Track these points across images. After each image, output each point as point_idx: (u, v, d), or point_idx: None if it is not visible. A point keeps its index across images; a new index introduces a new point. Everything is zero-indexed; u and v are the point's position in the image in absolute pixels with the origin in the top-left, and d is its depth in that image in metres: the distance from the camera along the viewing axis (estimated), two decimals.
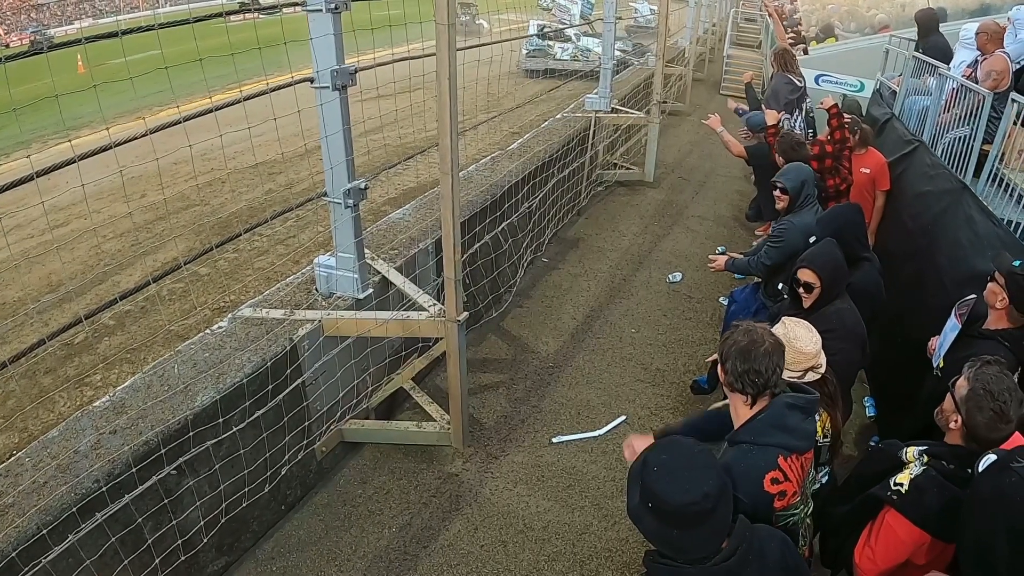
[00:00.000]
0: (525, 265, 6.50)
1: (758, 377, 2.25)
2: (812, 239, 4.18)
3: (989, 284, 3.35)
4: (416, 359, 4.67)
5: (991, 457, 2.13)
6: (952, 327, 3.45)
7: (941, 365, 3.45)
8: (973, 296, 3.44)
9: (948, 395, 2.59)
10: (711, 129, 6.78)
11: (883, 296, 4.15)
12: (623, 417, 4.80)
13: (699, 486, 1.79)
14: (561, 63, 18.42)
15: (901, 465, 2.62)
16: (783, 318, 2.94)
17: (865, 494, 2.66)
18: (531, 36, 18.43)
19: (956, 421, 2.52)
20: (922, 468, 2.52)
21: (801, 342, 2.75)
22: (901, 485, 2.49)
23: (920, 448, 2.61)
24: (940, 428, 2.64)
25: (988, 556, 1.98)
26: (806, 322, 2.90)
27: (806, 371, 2.76)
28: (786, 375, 2.71)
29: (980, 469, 2.13)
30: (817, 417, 2.49)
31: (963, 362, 2.64)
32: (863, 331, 3.58)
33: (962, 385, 2.52)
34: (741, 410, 2.35)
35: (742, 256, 5.09)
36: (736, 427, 2.36)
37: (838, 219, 4.19)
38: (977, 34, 5.80)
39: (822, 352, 2.81)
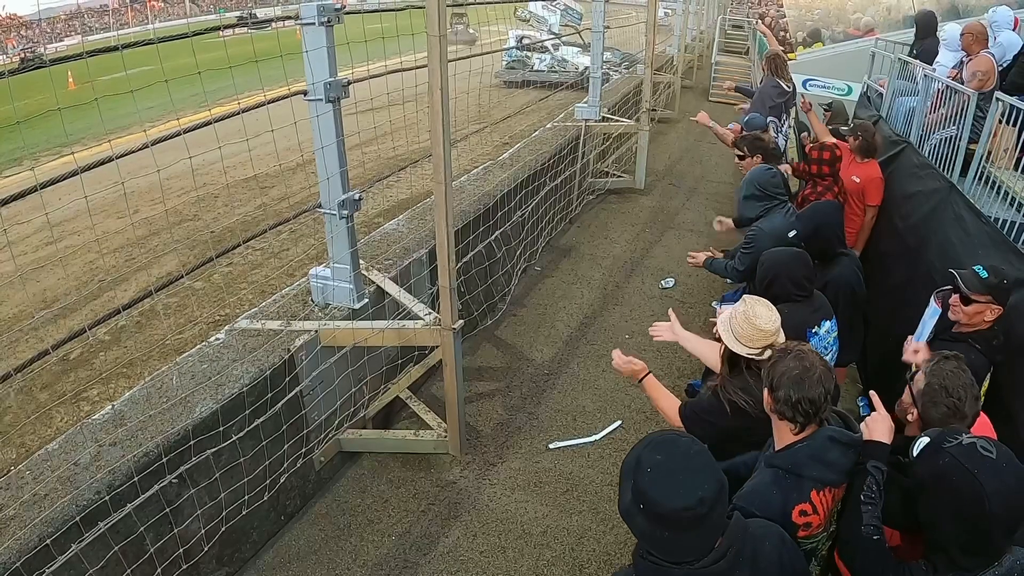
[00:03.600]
0: (519, 273, 6.53)
1: (811, 406, 2.19)
2: (792, 233, 4.24)
3: (966, 308, 3.29)
4: (412, 368, 4.69)
5: (924, 440, 2.10)
6: (932, 313, 3.48)
7: None
8: (949, 287, 3.47)
9: (907, 388, 2.62)
10: (703, 126, 6.78)
11: (863, 288, 4.21)
12: (619, 422, 4.82)
13: (694, 490, 1.69)
14: (539, 74, 18.55)
15: None
16: (744, 296, 2.96)
17: None
18: (510, 48, 18.51)
19: (913, 414, 2.56)
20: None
21: (761, 320, 2.75)
22: None
23: None
24: (901, 420, 2.67)
25: (940, 539, 1.99)
26: (766, 300, 2.91)
27: (764, 348, 2.75)
28: (743, 351, 2.76)
29: (915, 454, 2.11)
30: None
31: None
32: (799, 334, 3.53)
33: (920, 379, 2.55)
34: (786, 436, 2.30)
35: (722, 256, 5.10)
36: (776, 448, 2.34)
37: (817, 216, 4.31)
38: (962, 35, 5.86)
39: (781, 331, 2.81)
